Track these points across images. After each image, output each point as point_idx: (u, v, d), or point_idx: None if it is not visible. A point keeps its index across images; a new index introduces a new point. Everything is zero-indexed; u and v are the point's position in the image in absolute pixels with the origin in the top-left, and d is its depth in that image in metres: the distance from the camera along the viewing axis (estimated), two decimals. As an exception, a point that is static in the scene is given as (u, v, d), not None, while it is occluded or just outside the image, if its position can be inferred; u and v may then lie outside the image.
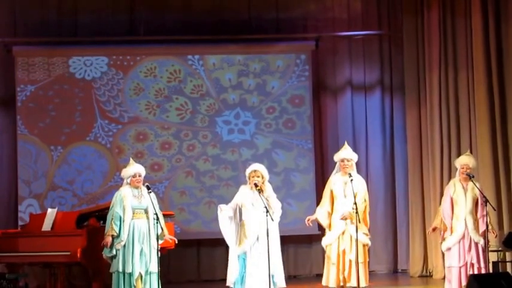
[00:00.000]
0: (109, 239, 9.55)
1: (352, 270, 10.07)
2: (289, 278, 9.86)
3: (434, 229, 10.59)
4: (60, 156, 13.90)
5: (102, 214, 10.49)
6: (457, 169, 10.63)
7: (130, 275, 9.53)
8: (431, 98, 13.55)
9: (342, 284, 10.23)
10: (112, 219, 9.57)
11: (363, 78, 14.60)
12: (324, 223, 10.33)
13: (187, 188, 14.12)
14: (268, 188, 9.82)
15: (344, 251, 10.15)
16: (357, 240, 9.99)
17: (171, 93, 14.17)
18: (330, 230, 10.30)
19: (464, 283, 10.25)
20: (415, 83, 13.91)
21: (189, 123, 14.18)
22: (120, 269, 9.53)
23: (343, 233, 10.18)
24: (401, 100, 14.34)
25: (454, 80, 13.28)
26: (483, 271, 10.23)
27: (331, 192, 10.35)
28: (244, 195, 9.73)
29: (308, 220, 10.36)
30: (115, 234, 9.54)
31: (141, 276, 9.59)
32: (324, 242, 10.37)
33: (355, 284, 10.07)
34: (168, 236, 9.89)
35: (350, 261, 10.12)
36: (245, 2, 14.37)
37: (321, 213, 10.35)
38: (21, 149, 13.81)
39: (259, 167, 9.86)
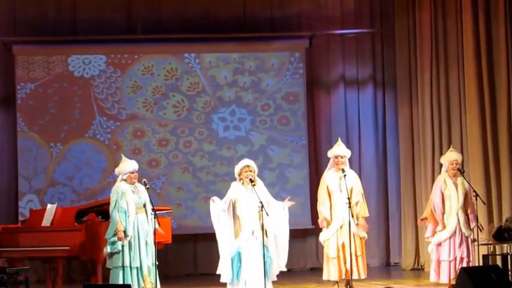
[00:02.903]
0: (122, 234, 9.62)
1: (353, 263, 10.24)
2: (284, 272, 9.99)
3: (423, 219, 10.77)
4: (59, 152, 14.04)
5: (101, 209, 10.54)
6: (442, 166, 10.84)
7: (137, 268, 9.69)
8: (423, 95, 13.66)
9: (344, 277, 10.37)
10: (118, 214, 9.69)
11: (355, 75, 14.72)
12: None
13: (184, 184, 14.27)
14: (260, 183, 9.84)
15: (343, 245, 10.28)
16: (351, 233, 10.15)
17: (168, 90, 14.32)
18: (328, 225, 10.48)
19: (453, 277, 10.44)
20: (407, 81, 14.03)
21: (186, 120, 14.33)
22: (127, 264, 9.64)
23: (341, 227, 10.34)
24: (393, 97, 14.45)
25: (445, 77, 13.37)
26: (471, 264, 10.43)
27: (327, 188, 10.48)
28: (237, 191, 9.75)
29: (322, 223, 10.47)
30: (124, 229, 9.66)
31: (147, 269, 9.77)
32: (322, 237, 10.51)
33: (357, 277, 10.29)
34: (159, 229, 9.95)
35: (351, 254, 10.23)
36: (240, 2, 14.49)
37: (326, 212, 10.45)
38: (21, 146, 13.94)
39: (251, 162, 9.86)
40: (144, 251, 9.75)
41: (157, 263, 9.80)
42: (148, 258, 9.77)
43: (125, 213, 9.71)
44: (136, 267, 9.69)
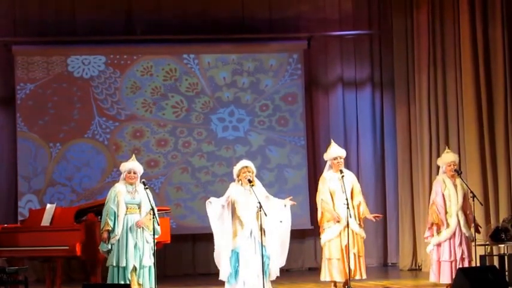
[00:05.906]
0: (106, 234, 9.71)
1: (356, 264, 10.32)
2: (282, 272, 10.04)
3: (432, 225, 10.67)
4: (58, 152, 14.09)
5: (100, 209, 10.46)
6: (439, 167, 10.88)
7: (125, 268, 9.70)
8: (420, 96, 13.73)
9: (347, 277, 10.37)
10: (107, 214, 9.74)
11: (353, 76, 14.81)
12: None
13: (183, 184, 14.33)
14: (258, 184, 9.86)
15: (347, 246, 10.27)
16: (353, 233, 10.24)
17: (167, 91, 14.38)
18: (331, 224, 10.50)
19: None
20: (405, 82, 14.10)
21: (185, 120, 14.39)
22: (114, 263, 9.68)
23: (344, 228, 10.35)
24: (391, 98, 14.52)
25: (442, 78, 13.43)
26: (473, 264, 10.47)
27: (329, 189, 10.47)
28: (236, 192, 9.77)
29: (336, 218, 10.37)
30: (110, 229, 9.68)
31: (135, 270, 9.76)
32: (325, 238, 10.46)
33: (359, 277, 10.33)
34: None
35: (354, 254, 10.30)
36: (239, 3, 14.55)
37: (332, 211, 10.41)
38: (20, 146, 13.99)
39: (249, 163, 9.88)
40: (132, 252, 9.76)
41: (145, 264, 9.82)
42: (136, 259, 9.78)
43: (114, 213, 9.77)
44: (123, 267, 9.74)
